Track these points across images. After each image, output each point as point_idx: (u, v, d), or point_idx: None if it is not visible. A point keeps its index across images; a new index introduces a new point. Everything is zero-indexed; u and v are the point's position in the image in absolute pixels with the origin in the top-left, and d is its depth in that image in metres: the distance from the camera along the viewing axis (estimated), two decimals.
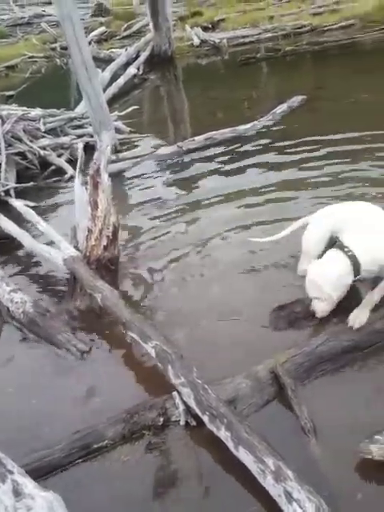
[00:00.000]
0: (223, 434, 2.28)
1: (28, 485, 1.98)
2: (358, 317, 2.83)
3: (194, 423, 2.48)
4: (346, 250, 2.82)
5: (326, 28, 11.72)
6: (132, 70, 10.28)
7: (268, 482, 2.05)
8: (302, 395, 2.54)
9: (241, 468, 2.17)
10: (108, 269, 3.60)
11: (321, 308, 2.90)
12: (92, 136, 6.56)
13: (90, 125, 6.67)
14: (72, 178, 5.24)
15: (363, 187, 4.51)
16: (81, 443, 2.43)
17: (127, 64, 10.74)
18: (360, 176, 4.75)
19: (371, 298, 2.91)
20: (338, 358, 2.74)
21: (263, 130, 6.37)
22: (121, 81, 9.63)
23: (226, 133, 6.29)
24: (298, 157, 5.45)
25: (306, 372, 2.68)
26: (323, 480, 2.16)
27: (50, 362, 3.12)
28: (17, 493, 1.93)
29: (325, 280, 2.80)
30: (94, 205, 3.59)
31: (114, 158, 6.13)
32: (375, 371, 2.69)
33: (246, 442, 2.18)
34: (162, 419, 2.51)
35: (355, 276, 2.83)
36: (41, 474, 2.30)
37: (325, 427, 2.39)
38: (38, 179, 5.98)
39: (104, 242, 3.54)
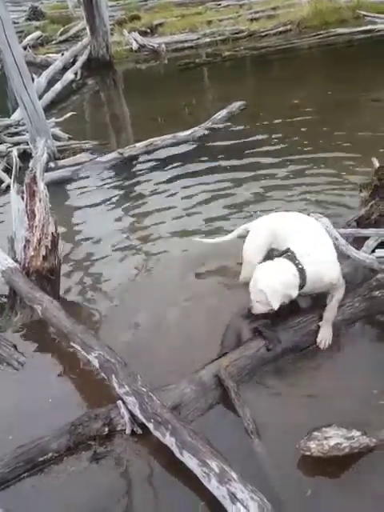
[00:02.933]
0: (168, 440, 2.31)
1: None
2: (325, 337, 2.90)
3: (139, 431, 2.49)
4: (297, 262, 2.84)
5: (263, 33, 12.04)
6: (69, 75, 10.13)
7: (212, 485, 2.09)
8: (245, 397, 2.61)
9: (187, 472, 2.20)
10: (48, 279, 3.54)
11: (259, 310, 2.93)
12: (29, 143, 6.42)
13: (27, 132, 6.52)
14: (9, 187, 5.10)
15: (301, 195, 4.68)
16: (25, 457, 2.39)
17: (64, 69, 10.57)
18: (300, 183, 4.91)
19: (329, 316, 2.95)
20: (278, 359, 2.83)
21: (203, 136, 6.46)
22: (58, 86, 9.47)
23: (166, 139, 6.33)
24: (237, 163, 5.58)
25: (249, 374, 2.76)
26: (268, 479, 2.23)
27: None
28: None
29: (270, 290, 2.78)
30: (31, 214, 3.53)
31: (52, 165, 6.03)
32: (312, 371, 2.80)
33: (190, 446, 2.22)
34: (107, 429, 2.51)
35: (300, 289, 2.85)
36: None
37: (267, 427, 2.47)
38: None
39: (43, 252, 3.47)
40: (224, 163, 5.65)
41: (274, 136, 6.12)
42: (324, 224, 3.22)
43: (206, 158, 5.85)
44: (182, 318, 3.31)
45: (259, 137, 6.17)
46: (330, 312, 2.94)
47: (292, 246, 2.95)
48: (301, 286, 2.83)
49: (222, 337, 3.04)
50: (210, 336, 3.08)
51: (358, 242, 3.46)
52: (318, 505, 2.15)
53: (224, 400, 2.64)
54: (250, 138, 6.18)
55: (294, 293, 2.83)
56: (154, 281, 3.74)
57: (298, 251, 2.88)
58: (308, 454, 2.23)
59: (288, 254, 2.90)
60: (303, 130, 6.19)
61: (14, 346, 3.21)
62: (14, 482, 2.34)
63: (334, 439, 2.23)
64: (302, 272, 2.81)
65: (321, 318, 2.94)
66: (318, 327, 2.92)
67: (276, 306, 2.79)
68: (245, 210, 4.55)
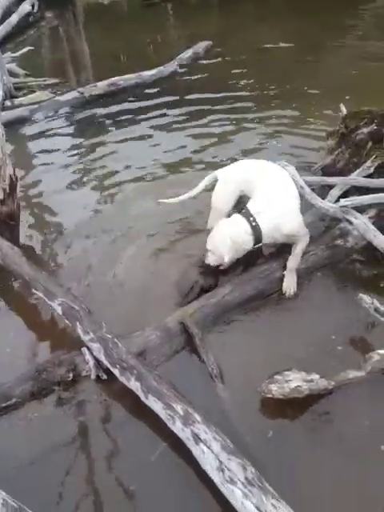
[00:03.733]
0: (133, 385, 2.34)
1: None
2: (289, 285, 2.94)
3: (104, 377, 2.51)
4: (251, 219, 2.89)
5: None
6: (26, 7, 9.46)
7: (177, 427, 2.14)
8: (210, 342, 2.65)
9: (152, 416, 2.25)
10: (7, 224, 3.41)
11: (211, 260, 2.98)
12: None
13: None
14: None
15: (268, 140, 4.62)
16: None
17: (20, 0, 9.83)
18: (266, 129, 4.84)
19: (292, 265, 2.98)
20: (243, 306, 2.87)
21: (169, 77, 6.23)
22: (14, 18, 8.86)
23: (130, 79, 6.07)
24: (204, 107, 5.42)
25: (213, 321, 2.79)
26: (231, 421, 2.29)
27: None
28: None
29: (221, 243, 2.86)
30: None
31: (8, 104, 5.73)
32: (275, 316, 2.86)
33: (155, 390, 2.26)
34: (71, 375, 2.51)
35: (256, 244, 2.94)
36: None
37: (230, 372, 2.52)
38: None
39: (0, 195, 3.32)
40: (189, 106, 5.48)
41: (240, 79, 5.96)
42: (290, 173, 3.20)
43: (170, 100, 5.65)
44: (143, 265, 3.27)
45: (225, 79, 5.99)
46: (293, 261, 2.99)
47: (252, 201, 3.01)
48: (257, 241, 2.91)
49: (176, 286, 3.04)
50: (171, 285, 3.08)
51: (323, 191, 3.48)
52: (279, 445, 2.22)
53: (189, 346, 2.67)
54: (217, 80, 6.00)
55: (248, 248, 2.93)
56: (115, 227, 3.65)
57: (252, 208, 2.94)
58: (269, 396, 2.30)
59: (243, 211, 2.96)
60: (271, 73, 6.05)
61: None
62: None
63: (295, 382, 2.31)
64: (255, 229, 2.88)
65: (285, 267, 2.98)
66: (283, 275, 2.96)
67: (227, 261, 2.87)
68: (210, 155, 4.46)
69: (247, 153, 4.39)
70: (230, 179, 3.23)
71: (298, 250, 3.01)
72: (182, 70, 6.41)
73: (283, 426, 2.31)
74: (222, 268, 3.00)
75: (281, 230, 2.93)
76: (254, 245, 2.94)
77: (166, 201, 3.51)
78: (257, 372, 2.45)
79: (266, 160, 3.32)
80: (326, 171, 3.71)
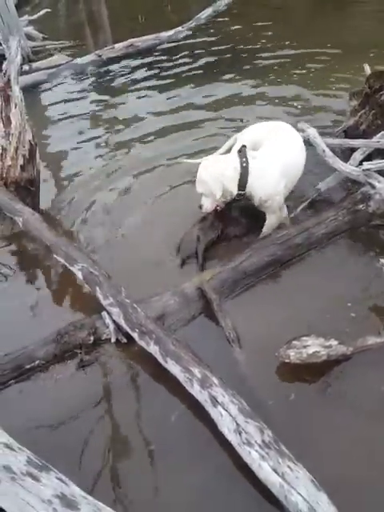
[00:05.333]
0: (152, 348, 2.38)
1: None
2: None
3: (124, 340, 2.56)
4: (243, 160, 2.82)
5: None
6: None
7: (195, 389, 2.18)
8: (227, 308, 2.66)
9: (171, 378, 2.29)
10: (28, 190, 3.43)
11: (206, 205, 2.96)
12: (1, 44, 5.96)
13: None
14: None
15: (290, 102, 4.49)
16: (13, 364, 2.45)
17: None
18: (288, 89, 4.71)
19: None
20: (260, 272, 2.86)
21: (187, 37, 6.05)
22: None
23: (148, 40, 5.95)
24: (222, 67, 5.29)
25: (231, 287, 2.79)
26: (248, 384, 2.32)
27: None
28: None
29: (211, 179, 2.81)
30: (7, 121, 3.34)
31: (26, 68, 5.68)
32: (292, 282, 2.85)
33: (173, 353, 2.29)
34: (92, 338, 2.56)
35: (239, 189, 2.86)
36: None
37: (248, 338, 2.54)
38: None
39: (20, 161, 3.34)
40: (207, 67, 5.36)
41: (260, 38, 5.78)
42: (311, 135, 3.12)
43: (189, 61, 5.52)
44: (162, 229, 3.27)
45: (246, 37, 5.82)
46: (264, 232, 2.99)
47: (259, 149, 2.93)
48: (242, 186, 2.83)
49: (177, 246, 3.05)
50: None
51: (346, 155, 3.39)
52: (296, 409, 2.25)
53: (206, 312, 2.69)
54: (237, 39, 5.83)
55: (233, 188, 2.85)
56: (133, 192, 3.65)
57: (250, 152, 2.87)
58: (287, 361, 2.31)
59: (240, 150, 2.88)
60: (291, 31, 5.84)
61: None
62: (2, 388, 2.41)
63: (313, 348, 2.31)
64: (244, 169, 2.81)
65: (306, 231, 2.94)
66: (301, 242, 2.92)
67: (218, 195, 2.81)
68: (229, 118, 4.37)
69: (267, 115, 4.27)
70: (244, 140, 3.16)
71: (265, 228, 2.99)
72: (201, 30, 6.21)
73: (301, 390, 2.32)
74: (219, 209, 2.97)
75: (256, 188, 2.85)
76: (239, 189, 2.85)
77: (188, 161, 3.47)
78: (274, 337, 2.45)
79: (284, 122, 3.23)
80: (349, 133, 3.61)
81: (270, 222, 3.01)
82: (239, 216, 3.17)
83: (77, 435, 2.22)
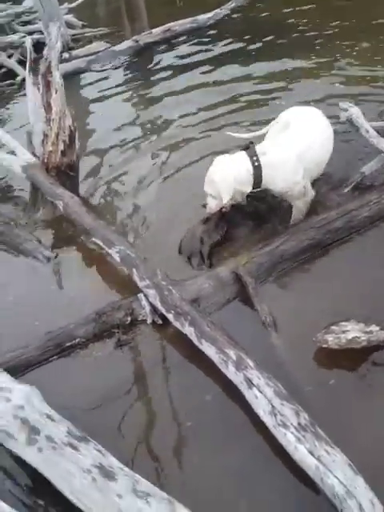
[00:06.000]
0: (187, 330, 2.40)
1: (5, 380, 2.12)
2: None
3: (160, 322, 2.59)
4: (254, 158, 2.72)
5: None
6: None
7: (230, 371, 2.18)
8: (263, 293, 2.64)
9: (206, 360, 2.30)
10: (68, 175, 3.50)
11: (212, 206, 2.89)
12: (42, 32, 6.05)
13: (40, 20, 6.12)
14: (25, 79, 4.89)
15: (332, 83, 4.37)
16: (54, 342, 2.53)
17: None
18: (329, 72, 4.59)
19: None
20: (298, 256, 2.83)
21: (226, 19, 5.98)
22: None
23: (185, 23, 5.92)
24: (263, 48, 5.20)
25: (267, 271, 2.77)
26: (284, 367, 2.31)
27: (20, 270, 3.14)
28: None
29: (222, 182, 2.72)
30: (48, 107, 3.40)
31: (66, 56, 5.75)
32: (332, 267, 2.80)
33: (208, 335, 2.30)
34: (129, 318, 2.61)
35: (256, 187, 2.79)
36: (19, 370, 2.42)
37: (284, 322, 2.52)
38: None
39: (61, 146, 3.40)
40: (248, 48, 5.29)
41: (302, 20, 5.63)
42: (354, 114, 3.02)
43: (228, 44, 5.46)
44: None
45: (287, 20, 5.70)
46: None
47: (266, 141, 2.85)
48: (257, 184, 2.76)
49: (180, 241, 3.01)
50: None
51: None
52: (335, 394, 2.22)
53: (242, 296, 2.68)
54: (277, 21, 5.71)
55: (247, 189, 2.78)
56: (172, 177, 3.66)
57: (259, 147, 2.78)
58: (325, 346, 2.28)
59: (248, 147, 2.78)
60: (334, 14, 5.66)
61: (39, 241, 3.27)
62: (45, 363, 2.50)
63: (352, 333, 2.27)
64: (257, 169, 2.71)
65: (346, 214, 2.88)
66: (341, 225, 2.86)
67: (226, 200, 2.74)
68: (271, 101, 4.31)
69: (311, 97, 4.18)
70: (273, 129, 3.08)
71: (294, 215, 2.94)
72: (240, 11, 6.11)
73: (339, 375, 2.29)
74: (224, 210, 2.93)
75: (274, 180, 2.78)
76: (254, 188, 2.78)
77: (233, 134, 3.38)
78: (311, 323, 2.43)
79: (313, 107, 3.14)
80: None
81: (297, 208, 2.94)
82: (244, 217, 3.12)
83: (114, 411, 2.26)
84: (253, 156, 2.73)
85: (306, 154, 2.80)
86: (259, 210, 3.16)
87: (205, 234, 2.97)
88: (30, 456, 1.86)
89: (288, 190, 2.84)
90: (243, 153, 2.78)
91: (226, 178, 2.72)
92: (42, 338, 2.53)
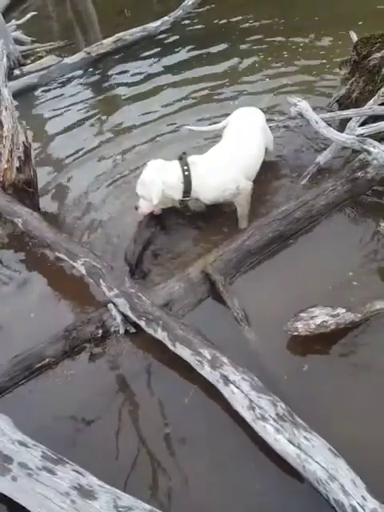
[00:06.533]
0: (160, 335, 2.38)
1: None
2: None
3: (133, 330, 2.56)
4: (185, 168, 2.86)
5: None
6: None
7: (206, 370, 2.18)
8: (233, 289, 2.66)
9: (182, 362, 2.29)
10: (26, 192, 3.44)
11: (143, 207, 2.99)
12: None
13: None
14: None
15: (278, 78, 4.45)
16: (22, 365, 2.45)
17: None
18: (275, 68, 4.67)
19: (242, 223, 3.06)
20: (264, 249, 2.85)
21: (175, 25, 6.02)
22: None
23: (135, 32, 5.91)
24: (215, 50, 5.26)
25: (235, 267, 2.78)
26: (260, 360, 2.32)
27: None
28: None
29: (152, 184, 2.83)
30: None
31: (17, 73, 5.68)
32: (297, 257, 2.83)
33: (181, 338, 2.30)
34: (100, 331, 2.57)
35: (185, 196, 2.92)
36: None
37: (255, 315, 2.54)
38: None
39: (16, 163, 3.35)
40: (198, 52, 5.33)
41: (247, 17, 5.73)
42: (303, 108, 3.08)
43: (178, 49, 5.50)
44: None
45: (232, 19, 5.78)
46: (243, 223, 3.04)
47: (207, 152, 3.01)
48: (186, 193, 2.89)
49: (124, 255, 3.01)
50: (198, 234, 3.11)
51: (343, 127, 3.34)
52: (309, 380, 2.25)
53: (213, 294, 2.69)
54: (223, 22, 5.81)
55: (177, 196, 2.91)
56: (128, 186, 3.62)
57: (191, 157, 2.92)
58: (296, 334, 2.30)
59: (181, 157, 2.92)
60: (277, 7, 5.78)
61: (0, 262, 3.20)
62: (13, 388, 2.42)
63: (320, 318, 2.30)
64: (186, 178, 2.85)
65: (305, 204, 2.92)
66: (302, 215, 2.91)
67: (155, 202, 2.84)
68: (224, 99, 4.35)
69: (258, 93, 4.26)
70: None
71: (239, 221, 3.04)
72: (188, 18, 6.16)
73: (313, 361, 2.32)
74: (156, 213, 3.03)
75: (202, 190, 2.91)
76: (184, 196, 2.92)
77: (193, 128, 3.57)
78: (282, 313, 2.44)
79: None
80: (342, 103, 3.58)
81: (239, 212, 3.06)
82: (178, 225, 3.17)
83: (92, 428, 2.24)
84: (184, 165, 2.86)
85: (239, 159, 2.95)
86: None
87: (137, 234, 3.04)
88: (4, 486, 1.82)
89: (219, 198, 2.98)
90: (176, 161, 2.91)
91: (155, 182, 2.83)
92: (9, 363, 2.45)
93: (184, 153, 2.97)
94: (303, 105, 3.13)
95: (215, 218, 3.16)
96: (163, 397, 2.31)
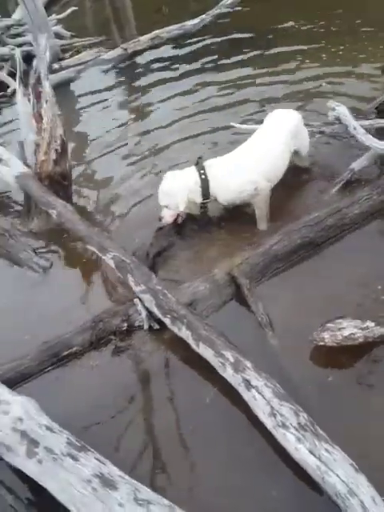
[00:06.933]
0: (184, 334, 2.39)
1: (3, 392, 2.10)
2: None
3: (157, 327, 2.58)
4: (201, 171, 2.93)
5: None
6: None
7: (228, 373, 2.17)
8: (258, 293, 2.64)
9: (204, 362, 2.29)
10: (61, 184, 3.50)
11: (167, 217, 3.03)
12: (32, 43, 6.07)
13: (29, 31, 6.14)
14: (15, 91, 4.91)
15: (318, 82, 4.40)
16: (50, 352, 2.51)
17: None
18: (315, 72, 4.63)
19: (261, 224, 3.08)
20: (292, 255, 2.82)
21: (213, 24, 6.01)
22: None
23: (172, 30, 5.94)
24: (250, 52, 5.23)
25: (261, 271, 2.76)
26: (282, 367, 2.30)
27: (15, 280, 3.14)
28: None
29: (178, 191, 2.91)
30: (39, 117, 3.42)
31: (56, 66, 5.77)
32: (326, 265, 2.80)
33: (205, 338, 2.29)
34: (126, 325, 2.60)
35: (205, 198, 2.98)
36: (16, 382, 2.41)
37: (280, 322, 2.51)
38: None
39: (53, 156, 3.40)
40: (236, 53, 5.30)
41: (286, 19, 5.69)
42: (342, 113, 3.05)
43: (215, 49, 5.49)
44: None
45: (272, 22, 5.73)
46: (262, 225, 3.07)
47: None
48: (205, 196, 2.96)
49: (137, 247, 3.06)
50: (224, 233, 3.11)
51: (381, 135, 3.29)
52: (337, 392, 2.21)
53: (238, 297, 2.68)
54: (263, 23, 5.75)
55: (198, 200, 2.99)
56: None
57: (208, 160, 3.00)
58: (322, 344, 2.27)
59: (197, 162, 3.01)
60: (319, 9, 5.72)
61: (34, 251, 3.27)
62: (41, 374, 2.48)
63: (348, 330, 2.26)
64: (204, 182, 2.93)
65: (338, 212, 2.90)
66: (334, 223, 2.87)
67: (182, 208, 2.91)
68: (259, 100, 4.35)
69: (294, 96, 4.24)
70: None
71: (257, 223, 3.06)
72: (226, 16, 6.14)
73: (337, 373, 2.29)
74: (179, 222, 3.06)
75: (220, 192, 2.97)
76: (203, 199, 2.97)
77: (236, 125, 3.63)
78: (308, 321, 2.42)
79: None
80: (382, 110, 3.49)
81: (257, 214, 3.08)
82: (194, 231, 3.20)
83: (114, 419, 2.26)
84: (200, 169, 2.95)
85: (258, 163, 2.99)
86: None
87: (155, 239, 3.10)
88: (30, 468, 1.86)
89: (236, 199, 3.02)
90: (193, 167, 3.00)
91: (181, 188, 2.91)
92: (38, 348, 2.51)
93: (200, 157, 3.05)
94: (342, 110, 3.09)
95: (232, 223, 3.17)
96: (184, 395, 2.32)
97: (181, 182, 2.94)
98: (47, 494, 1.81)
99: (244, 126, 3.61)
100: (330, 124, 3.35)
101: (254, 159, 2.99)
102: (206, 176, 2.94)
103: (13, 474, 2.01)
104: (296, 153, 3.25)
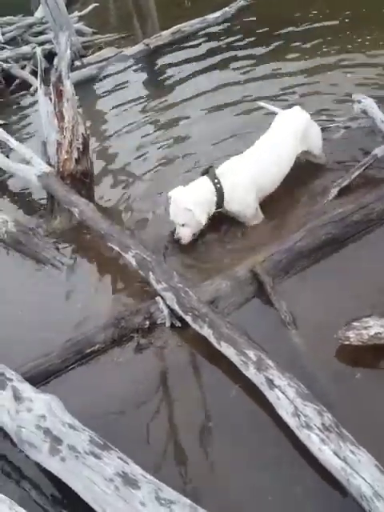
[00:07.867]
0: (206, 332, 2.37)
1: (27, 390, 2.12)
2: None
3: (178, 324, 2.58)
4: (215, 180, 2.88)
5: None
6: None
7: (250, 372, 2.15)
8: (281, 291, 2.60)
9: (226, 360, 2.27)
10: (83, 182, 3.52)
11: (186, 235, 2.96)
12: (53, 42, 6.11)
13: (51, 29, 6.19)
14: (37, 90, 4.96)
15: (343, 72, 4.32)
16: (74, 349, 2.53)
17: None
18: (341, 61, 4.54)
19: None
20: (316, 252, 2.77)
21: (235, 17, 5.98)
22: None
23: (194, 24, 5.91)
24: (274, 43, 5.15)
25: (285, 269, 2.73)
26: (306, 365, 2.27)
27: (38, 278, 3.17)
28: (17, 397, 2.06)
29: (196, 206, 2.84)
30: (60, 115, 3.43)
31: (78, 63, 5.80)
32: (351, 262, 2.74)
33: (227, 337, 2.28)
34: (148, 322, 2.61)
35: (217, 208, 2.94)
36: (40, 379, 2.43)
37: (304, 320, 2.48)
38: (4, 95, 5.68)
39: (75, 154, 3.42)
40: (257, 46, 5.24)
41: (310, 9, 5.58)
42: (368, 105, 2.97)
43: (238, 42, 5.42)
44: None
45: (297, 13, 5.63)
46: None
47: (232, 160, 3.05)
48: (219, 205, 2.94)
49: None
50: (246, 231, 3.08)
51: None
52: (362, 392, 2.17)
53: (260, 295, 2.65)
54: (287, 15, 5.66)
55: (213, 210, 2.95)
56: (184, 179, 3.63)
57: (218, 168, 2.97)
58: (347, 343, 2.23)
59: (207, 171, 2.98)
60: (343, 5, 5.58)
61: (57, 248, 3.30)
62: (65, 372, 2.50)
63: (375, 329, 2.21)
64: (219, 190, 2.90)
65: (365, 206, 2.85)
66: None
67: (204, 221, 2.90)
68: (284, 94, 4.30)
69: (322, 89, 4.15)
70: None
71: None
72: (249, 8, 6.06)
73: (362, 372, 2.23)
74: (183, 242, 2.98)
75: (232, 199, 2.94)
76: (217, 208, 2.94)
77: (263, 104, 3.69)
78: (332, 319, 2.38)
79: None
80: None
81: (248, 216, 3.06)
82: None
83: (137, 417, 2.26)
84: (214, 179, 2.91)
85: (259, 178, 2.99)
86: None
87: None
88: (53, 466, 1.87)
89: (242, 211, 3.02)
90: (205, 177, 2.93)
91: (201, 202, 2.86)
92: (62, 346, 2.54)
93: (210, 166, 3.03)
94: (368, 102, 3.01)
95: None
96: (206, 392, 2.31)
97: (199, 194, 2.89)
98: (71, 491, 1.82)
99: (271, 107, 3.58)
100: (355, 119, 3.26)
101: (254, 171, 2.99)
102: (220, 185, 2.90)
103: (38, 470, 2.02)
104: (307, 153, 3.23)
